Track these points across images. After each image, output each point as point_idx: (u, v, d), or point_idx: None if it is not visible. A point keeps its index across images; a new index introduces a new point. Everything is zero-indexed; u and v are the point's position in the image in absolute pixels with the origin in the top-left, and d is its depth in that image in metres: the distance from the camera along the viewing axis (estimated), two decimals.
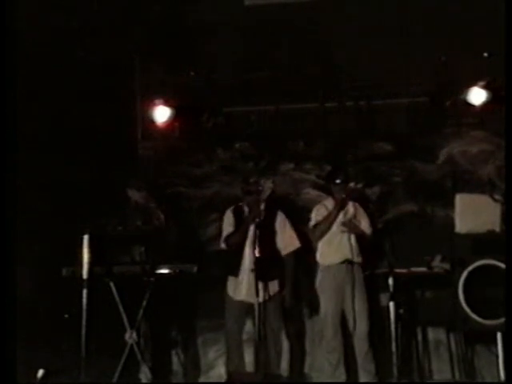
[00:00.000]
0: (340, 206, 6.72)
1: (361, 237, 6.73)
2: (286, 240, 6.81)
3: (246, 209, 6.87)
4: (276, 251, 6.76)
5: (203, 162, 7.77)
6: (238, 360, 6.75)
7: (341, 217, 6.73)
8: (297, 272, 6.87)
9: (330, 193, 6.89)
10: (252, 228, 6.59)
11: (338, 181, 6.77)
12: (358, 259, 6.71)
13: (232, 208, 6.98)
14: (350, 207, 6.82)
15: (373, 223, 6.85)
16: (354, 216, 6.79)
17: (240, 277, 6.67)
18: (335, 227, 6.73)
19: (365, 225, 6.80)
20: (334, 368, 6.62)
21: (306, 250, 6.90)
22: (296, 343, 7.16)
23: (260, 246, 6.27)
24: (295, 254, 6.83)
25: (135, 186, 7.43)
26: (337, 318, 6.66)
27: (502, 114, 5.84)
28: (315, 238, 6.78)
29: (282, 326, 6.90)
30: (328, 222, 6.71)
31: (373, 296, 6.83)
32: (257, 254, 6.25)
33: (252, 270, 6.31)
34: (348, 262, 6.67)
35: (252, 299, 6.36)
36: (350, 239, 6.68)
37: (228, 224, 6.90)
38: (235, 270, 6.71)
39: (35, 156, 6.82)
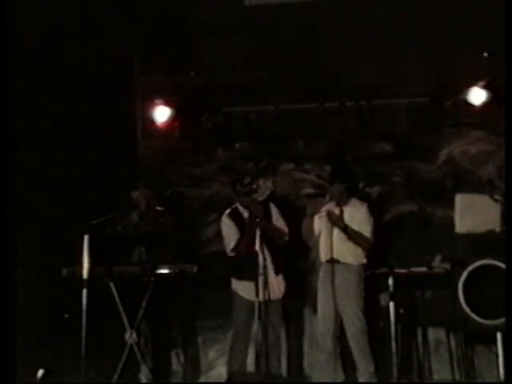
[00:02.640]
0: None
1: (354, 238, 6.71)
2: (281, 231, 6.87)
3: (242, 209, 6.87)
4: (275, 246, 6.78)
5: (203, 162, 7.78)
6: (241, 360, 6.76)
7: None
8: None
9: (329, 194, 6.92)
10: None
11: (336, 182, 6.79)
12: (346, 259, 6.68)
13: (228, 212, 6.94)
14: (349, 206, 6.81)
15: (375, 226, 6.82)
16: (354, 215, 6.77)
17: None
18: (326, 226, 6.77)
19: (362, 226, 6.73)
20: (326, 367, 6.66)
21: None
22: (296, 343, 7.18)
23: (266, 245, 6.32)
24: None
25: (135, 186, 7.42)
26: (326, 316, 6.66)
27: (501, 114, 5.84)
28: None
29: (283, 326, 6.91)
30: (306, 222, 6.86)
31: (373, 296, 6.83)
32: (265, 254, 6.31)
33: (261, 274, 6.34)
34: (334, 261, 6.67)
35: (272, 297, 6.45)
36: (330, 238, 6.68)
37: (231, 232, 6.84)
38: (251, 275, 6.68)
39: (35, 156, 6.82)
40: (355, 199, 6.86)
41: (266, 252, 6.52)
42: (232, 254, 6.84)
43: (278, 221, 6.87)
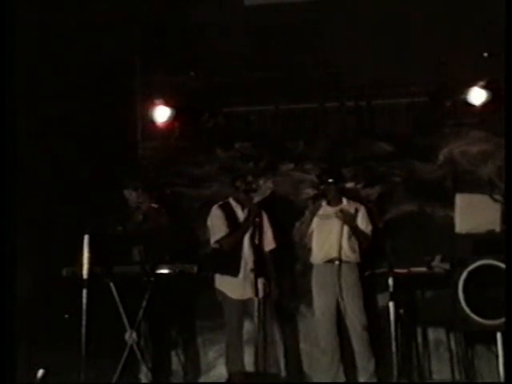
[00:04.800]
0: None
1: (359, 236, 6.72)
2: (268, 239, 6.84)
3: (235, 205, 6.87)
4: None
5: (203, 162, 7.78)
6: (238, 360, 6.75)
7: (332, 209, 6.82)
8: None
9: (322, 194, 6.93)
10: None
11: (330, 180, 6.80)
12: (348, 258, 6.69)
13: (219, 204, 6.95)
14: (349, 207, 6.82)
15: (374, 225, 6.83)
16: (354, 216, 6.78)
17: (240, 276, 6.67)
18: (323, 226, 6.76)
19: (364, 226, 6.79)
20: (327, 367, 6.67)
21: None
22: (293, 343, 7.18)
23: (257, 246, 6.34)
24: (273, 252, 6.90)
25: (134, 187, 7.43)
26: (327, 317, 6.67)
27: (502, 113, 5.84)
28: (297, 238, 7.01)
29: (277, 324, 6.91)
30: (305, 223, 6.84)
31: (372, 296, 6.84)
32: (257, 253, 6.30)
33: (252, 270, 6.34)
34: (336, 261, 6.67)
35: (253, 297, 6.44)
36: (338, 237, 6.69)
37: (220, 223, 6.83)
38: (234, 270, 6.70)
39: (35, 156, 6.82)
40: (347, 199, 6.89)
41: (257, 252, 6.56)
42: (215, 246, 6.85)
43: (267, 231, 6.84)
